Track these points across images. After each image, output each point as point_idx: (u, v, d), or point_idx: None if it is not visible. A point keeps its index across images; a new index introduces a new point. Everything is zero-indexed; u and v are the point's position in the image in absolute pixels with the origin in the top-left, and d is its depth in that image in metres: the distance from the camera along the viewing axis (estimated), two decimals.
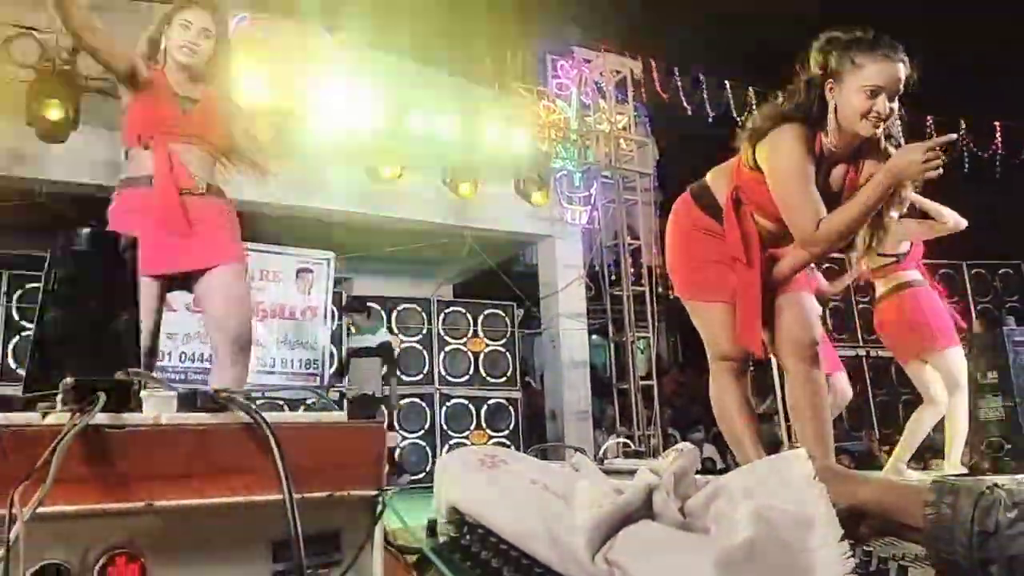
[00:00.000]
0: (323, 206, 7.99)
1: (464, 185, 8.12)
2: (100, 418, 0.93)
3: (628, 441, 3.20)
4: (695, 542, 1.20)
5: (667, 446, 8.54)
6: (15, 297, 6.54)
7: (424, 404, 8.09)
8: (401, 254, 8.87)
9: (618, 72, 9.47)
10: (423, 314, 8.34)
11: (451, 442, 8.00)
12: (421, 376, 8.17)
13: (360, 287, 9.38)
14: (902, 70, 2.45)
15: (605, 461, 2.38)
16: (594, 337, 9.87)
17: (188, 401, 1.05)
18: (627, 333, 8.87)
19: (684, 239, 2.89)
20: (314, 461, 1.02)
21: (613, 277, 9.35)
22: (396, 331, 8.18)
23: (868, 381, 8.43)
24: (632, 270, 9.19)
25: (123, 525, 0.91)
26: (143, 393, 1.10)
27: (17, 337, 6.48)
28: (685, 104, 9.79)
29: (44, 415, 0.98)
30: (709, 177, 2.88)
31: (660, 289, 8.80)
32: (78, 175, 6.66)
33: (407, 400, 8.00)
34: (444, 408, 8.15)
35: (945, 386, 4.04)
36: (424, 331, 8.30)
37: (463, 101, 8.36)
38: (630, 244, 9.17)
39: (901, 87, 2.46)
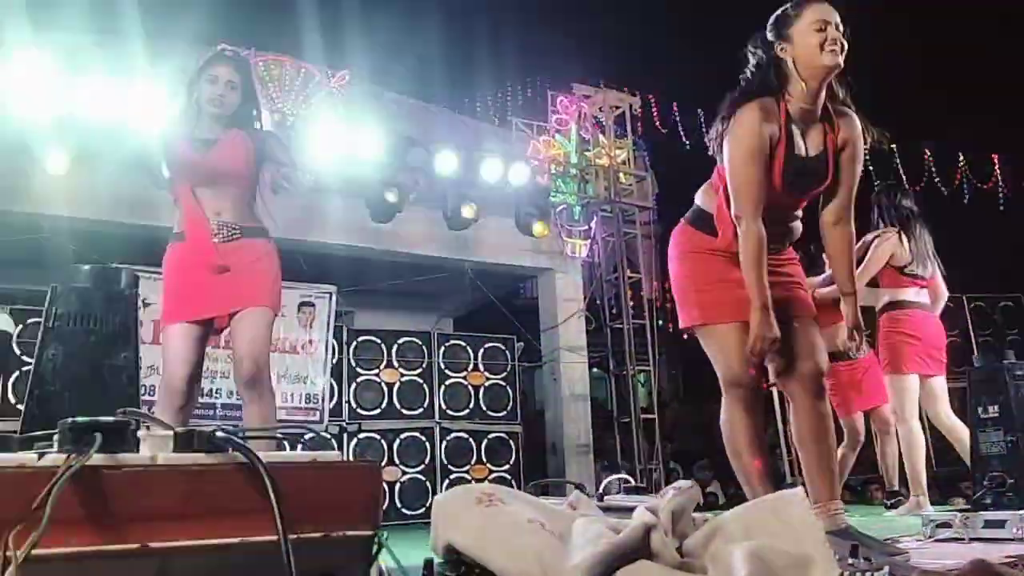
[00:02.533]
0: (324, 240, 8.03)
1: (465, 219, 8.16)
2: (96, 459, 0.94)
3: (629, 477, 3.18)
4: None
5: (669, 480, 8.49)
6: (16, 332, 6.53)
7: (424, 438, 8.04)
8: (402, 288, 8.89)
9: (617, 107, 9.57)
10: (423, 347, 8.32)
11: (451, 477, 7.94)
12: (421, 410, 8.12)
13: (361, 321, 9.39)
14: (834, 12, 2.58)
15: (606, 497, 2.37)
16: (594, 370, 9.85)
17: (185, 441, 1.05)
18: (628, 366, 8.85)
19: (688, 263, 2.83)
20: (309, 501, 1.02)
21: (613, 310, 9.36)
22: (396, 365, 8.16)
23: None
24: (632, 303, 9.20)
25: (118, 567, 0.91)
26: (140, 433, 1.10)
27: (17, 372, 6.46)
28: (684, 138, 9.89)
29: (40, 456, 0.98)
30: (698, 198, 2.87)
31: (660, 322, 8.81)
32: (80, 211, 6.71)
33: (407, 435, 7.96)
34: (444, 442, 8.10)
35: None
36: (424, 364, 8.27)
37: (463, 136, 8.45)
38: (630, 277, 9.19)
39: (840, 25, 2.57)
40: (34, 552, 0.82)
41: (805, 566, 1.21)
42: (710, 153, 2.82)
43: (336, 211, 7.90)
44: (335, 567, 1.05)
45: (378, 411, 7.97)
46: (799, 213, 2.82)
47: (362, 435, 7.74)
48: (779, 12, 2.66)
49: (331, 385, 7.75)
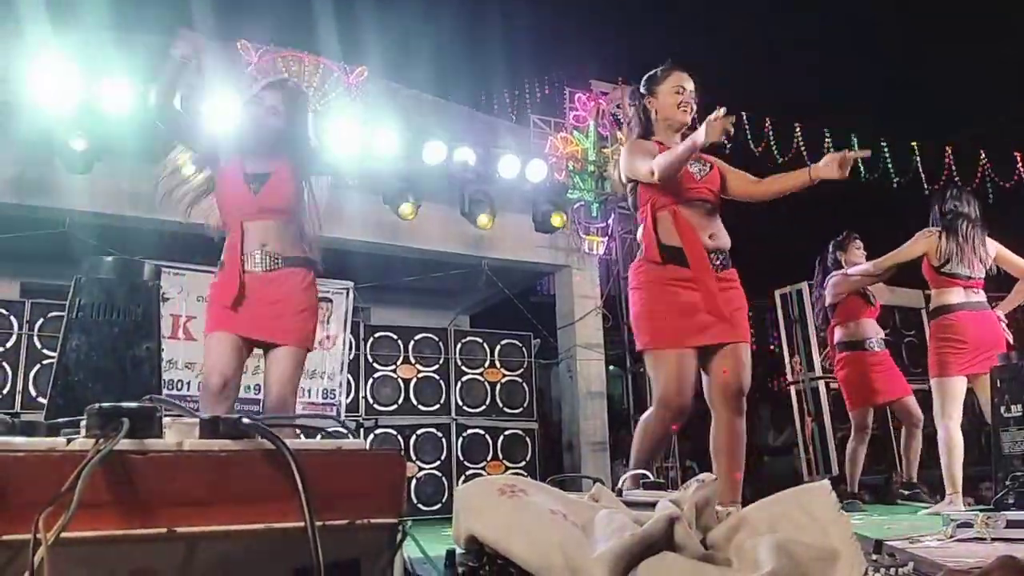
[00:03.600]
0: (341, 236, 8.05)
1: (482, 216, 8.16)
2: (124, 444, 0.94)
3: (646, 473, 3.17)
4: (717, 575, 1.18)
5: (685, 478, 8.46)
6: (37, 326, 6.60)
7: (440, 434, 8.05)
8: (419, 284, 8.91)
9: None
10: (440, 344, 8.33)
11: (467, 473, 7.95)
12: (438, 406, 8.14)
13: (378, 317, 9.41)
14: (689, 79, 3.39)
15: (624, 493, 2.36)
16: (611, 367, 9.81)
17: (211, 428, 1.05)
18: (643, 364, 8.83)
19: (642, 293, 3.28)
20: (334, 489, 1.02)
21: (630, 307, 9.33)
22: (413, 360, 8.18)
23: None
24: None
25: (144, 551, 0.91)
26: (166, 420, 1.10)
27: (38, 366, 6.53)
28: None
29: (68, 441, 0.99)
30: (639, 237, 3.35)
31: None
32: (101, 205, 6.76)
33: (423, 430, 7.97)
34: (461, 439, 8.11)
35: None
36: (441, 361, 8.29)
37: (481, 132, 8.45)
38: None
39: (693, 90, 3.38)
40: (63, 535, 0.82)
41: (831, 559, 1.20)
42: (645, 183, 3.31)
43: (353, 207, 7.91)
44: (360, 554, 1.05)
45: (395, 407, 7.99)
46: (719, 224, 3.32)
47: (379, 431, 7.77)
48: (652, 73, 3.44)
49: (348, 380, 7.78)
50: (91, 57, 6.28)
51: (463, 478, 7.87)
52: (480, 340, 8.54)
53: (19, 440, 0.92)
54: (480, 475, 7.99)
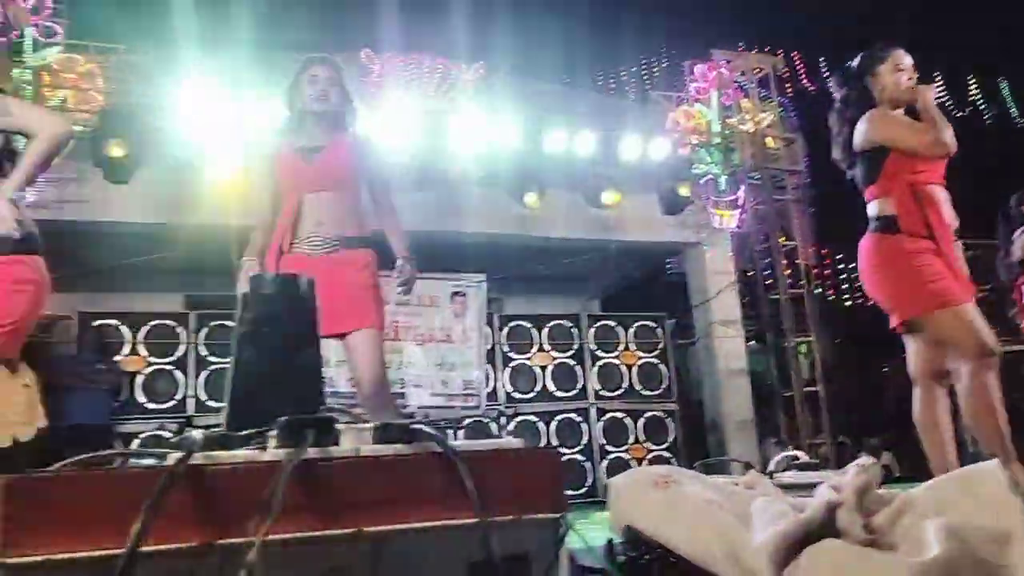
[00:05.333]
0: (468, 229, 8.23)
1: (606, 199, 8.13)
2: (310, 453, 1.04)
3: (799, 453, 3.10)
4: (885, 561, 1.17)
5: (839, 454, 8.16)
6: (202, 335, 7.12)
7: (579, 419, 8.12)
8: (549, 272, 8.98)
9: (759, 69, 9.23)
10: (573, 330, 8.39)
11: (609, 457, 7.98)
12: (575, 392, 8.21)
13: (511, 307, 9.56)
14: (907, 55, 3.31)
15: (774, 475, 2.33)
16: (751, 344, 9.57)
17: (383, 434, 1.14)
18: (787, 338, 8.57)
19: (893, 268, 3.09)
20: (498, 486, 1.08)
21: (768, 281, 9.06)
22: (548, 348, 8.28)
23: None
24: (788, 272, 8.88)
25: (337, 551, 1.00)
26: (339, 427, 1.20)
27: (206, 372, 7.05)
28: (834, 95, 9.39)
29: (263, 450, 1.10)
30: (872, 209, 3.17)
31: (819, 290, 8.44)
32: (253, 218, 7.20)
33: (562, 416, 8.05)
34: (600, 423, 8.15)
35: None
36: (576, 346, 8.34)
37: (601, 115, 8.41)
38: (784, 245, 8.86)
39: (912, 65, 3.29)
40: (270, 537, 0.92)
41: (1005, 541, 1.16)
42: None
43: (480, 201, 8.07)
44: (528, 548, 1.10)
45: (532, 394, 8.12)
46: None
47: (519, 419, 7.92)
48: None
49: (486, 371, 7.97)
50: (237, 79, 6.68)
51: (605, 462, 7.91)
52: (613, 324, 8.54)
53: (223, 454, 1.03)
54: (622, 459, 8.01)
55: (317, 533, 1.00)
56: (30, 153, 2.64)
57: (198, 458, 0.98)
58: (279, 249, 3.01)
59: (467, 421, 7.66)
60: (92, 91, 6.71)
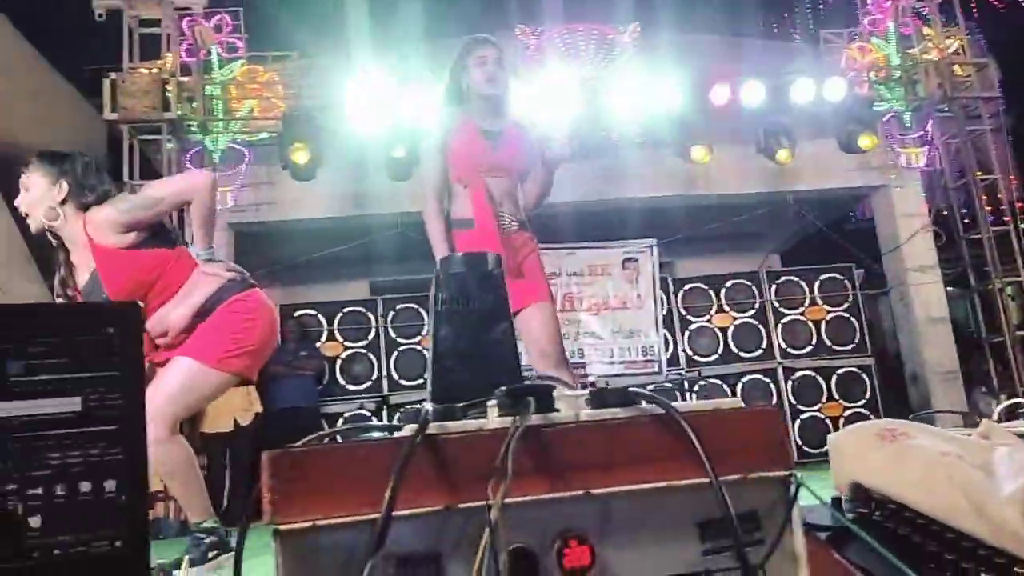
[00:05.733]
0: (634, 195, 8.12)
1: (780, 149, 7.76)
2: (534, 419, 1.07)
3: (1021, 400, 2.85)
4: None
5: None
6: (390, 319, 7.51)
7: (767, 380, 7.88)
8: (721, 230, 8.71)
9: None
10: (753, 288, 8.12)
11: (802, 416, 7.70)
12: (760, 351, 7.95)
13: (684, 269, 9.38)
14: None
15: (1003, 425, 2.14)
16: (951, 289, 8.87)
17: (599, 399, 1.15)
18: (992, 280, 7.87)
19: None
20: (722, 446, 1.07)
21: (966, 220, 8.35)
22: (727, 308, 8.06)
23: None
24: (989, 208, 8.13)
25: (568, 512, 1.03)
26: (555, 394, 1.23)
27: (396, 353, 7.43)
28: None
29: (485, 419, 1.14)
30: None
31: None
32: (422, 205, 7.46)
33: (749, 377, 7.83)
34: (789, 382, 7.86)
35: None
36: (756, 305, 8.08)
37: (769, 62, 8.02)
38: (982, 180, 8.11)
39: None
40: (506, 500, 0.96)
41: None
42: None
43: (643, 163, 7.95)
44: (756, 506, 1.09)
45: (715, 357, 7.96)
46: None
47: (703, 382, 7.79)
48: None
49: (665, 336, 7.88)
50: (404, 71, 6.94)
51: (798, 422, 7.63)
52: (796, 279, 8.19)
53: (451, 424, 1.08)
54: (816, 417, 7.71)
55: (547, 496, 1.03)
56: (195, 217, 2.91)
57: (432, 429, 1.04)
58: (472, 225, 3.04)
59: (649, 387, 7.62)
60: (273, 99, 7.19)
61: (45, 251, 3.04)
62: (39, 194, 2.84)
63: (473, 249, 3.00)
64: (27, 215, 2.88)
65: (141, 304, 1.20)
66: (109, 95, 6.76)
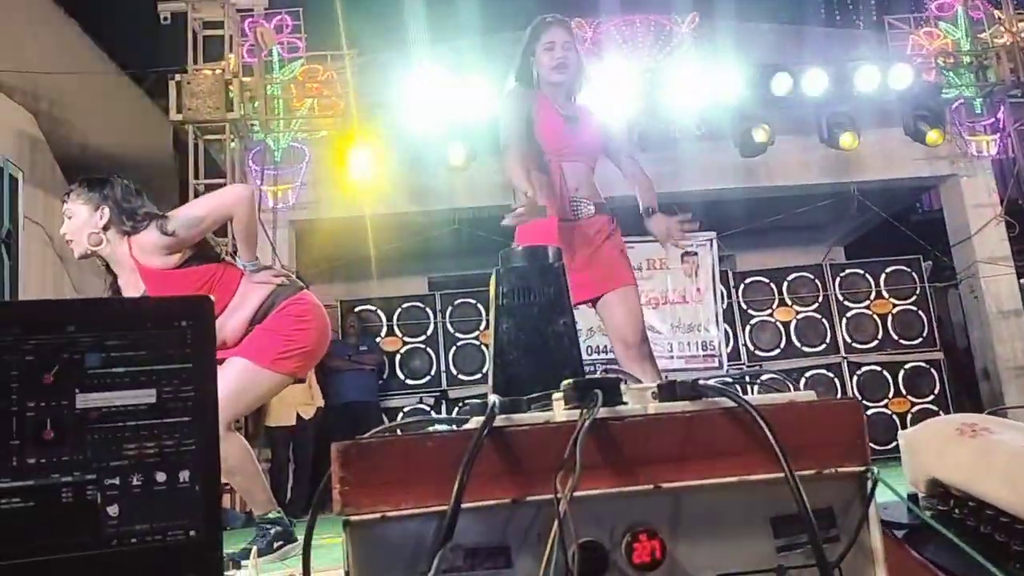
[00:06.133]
0: (695, 187, 8.00)
1: (844, 137, 7.55)
2: (602, 412, 1.05)
3: None
4: None
5: None
6: (448, 314, 7.56)
7: (831, 375, 7.71)
8: (782, 222, 8.53)
9: None
10: (816, 281, 7.95)
11: (868, 413, 7.47)
12: (824, 346, 7.78)
13: (746, 263, 9.22)
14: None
15: None
16: (1023, 281, 8.54)
17: (667, 392, 1.13)
18: None
19: None
20: (797, 440, 1.04)
21: None
22: (789, 302, 7.90)
23: None
24: None
25: (637, 506, 1.01)
26: (623, 388, 1.21)
27: (454, 348, 7.48)
28: None
29: (551, 412, 1.13)
30: None
31: None
32: (482, 199, 7.49)
33: (812, 372, 7.67)
34: (855, 377, 7.68)
35: None
36: (820, 299, 7.90)
37: (832, 49, 7.83)
38: None
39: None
40: (575, 493, 0.94)
41: None
42: None
43: (702, 155, 7.83)
44: (832, 502, 1.06)
45: (778, 351, 7.82)
46: None
47: (765, 376, 7.64)
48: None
49: (725, 330, 7.77)
50: (461, 66, 6.96)
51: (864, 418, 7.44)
52: (861, 271, 8.00)
53: (518, 416, 1.08)
54: (883, 413, 7.52)
55: (616, 489, 1.01)
56: (237, 231, 2.97)
57: (498, 421, 1.03)
58: (546, 213, 2.98)
59: (712, 381, 7.52)
60: (333, 97, 7.29)
61: None
62: (81, 221, 2.88)
63: (538, 236, 2.93)
64: (70, 241, 2.92)
65: (213, 298, 1.22)
66: (174, 96, 6.93)
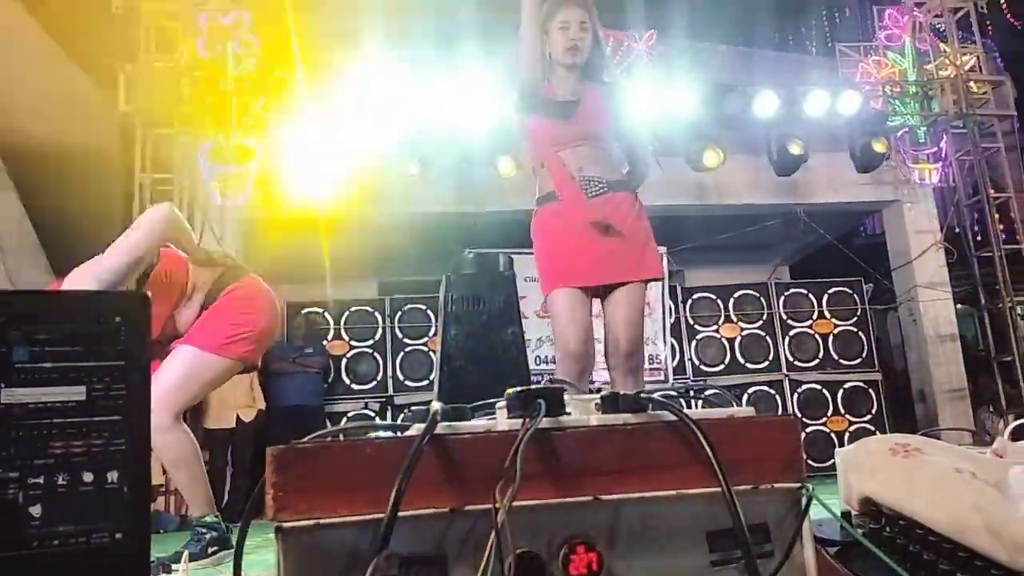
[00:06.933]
0: (647, 203, 8.05)
1: (792, 160, 7.72)
2: (544, 422, 1.05)
3: None
4: None
5: None
6: (397, 318, 7.50)
7: (773, 392, 7.84)
8: (731, 241, 8.68)
9: (958, 9, 8.41)
10: (761, 299, 8.09)
11: (807, 430, 7.66)
12: (767, 363, 7.92)
13: (693, 278, 9.35)
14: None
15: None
16: (961, 307, 8.81)
17: (610, 403, 1.14)
18: (1003, 299, 7.81)
19: None
20: (735, 455, 1.05)
21: (978, 237, 8.30)
22: (735, 319, 8.03)
23: None
24: (1001, 226, 8.09)
25: (576, 517, 1.01)
26: (565, 398, 1.21)
27: (402, 354, 7.42)
28: None
29: (494, 421, 1.13)
30: None
31: None
32: (434, 206, 7.46)
33: (755, 389, 7.80)
34: (796, 395, 7.82)
35: None
36: (765, 316, 8.04)
37: (783, 73, 8.00)
38: (996, 198, 8.07)
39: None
40: (514, 504, 0.94)
41: None
42: None
43: (655, 171, 7.90)
44: (767, 518, 1.07)
45: (722, 366, 7.93)
46: None
47: (709, 392, 7.74)
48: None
49: (672, 345, 7.85)
50: (417, 72, 6.92)
51: (803, 435, 7.59)
52: (805, 291, 8.16)
53: (460, 424, 1.07)
54: (822, 431, 7.67)
55: (556, 500, 1.01)
56: (173, 244, 2.89)
57: (440, 429, 1.02)
58: (557, 197, 2.89)
59: (656, 395, 7.59)
60: (287, 95, 7.19)
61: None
62: None
63: (561, 218, 2.87)
64: None
65: (149, 293, 1.18)
66: (123, 88, 6.77)
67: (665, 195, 8.01)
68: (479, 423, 1.10)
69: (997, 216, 8.12)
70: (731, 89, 7.36)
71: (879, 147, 7.69)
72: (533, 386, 1.14)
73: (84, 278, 2.65)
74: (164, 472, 5.16)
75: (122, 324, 1.12)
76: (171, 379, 2.78)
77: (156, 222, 2.75)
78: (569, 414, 1.11)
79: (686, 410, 1.12)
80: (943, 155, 8.30)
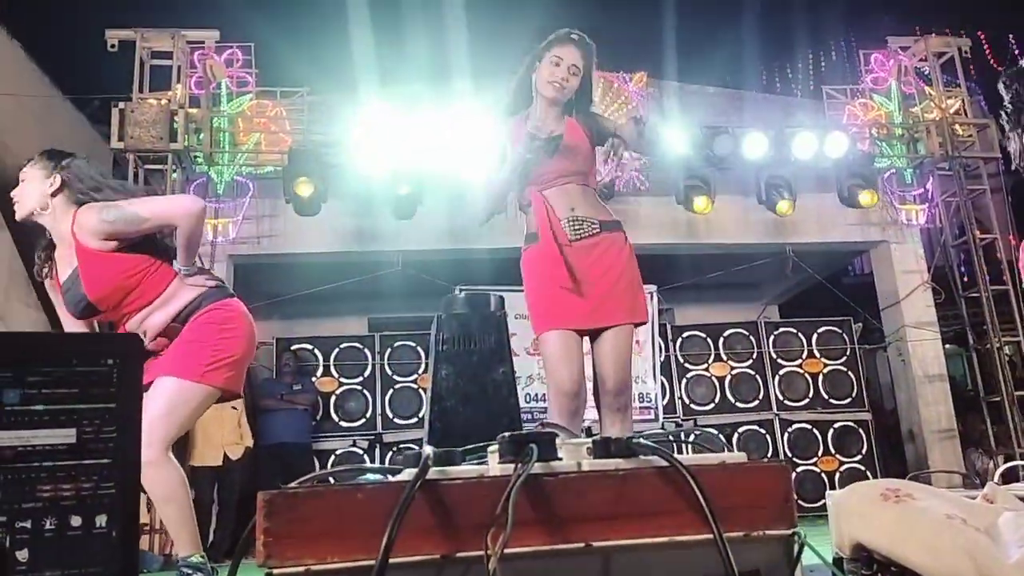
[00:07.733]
0: (636, 241, 8.12)
1: (781, 201, 7.80)
2: (536, 468, 1.05)
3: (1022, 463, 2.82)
4: None
5: None
6: (386, 356, 7.47)
7: (763, 431, 7.82)
8: (721, 279, 8.73)
9: (942, 53, 8.57)
10: (751, 338, 8.11)
11: (798, 470, 7.63)
12: (757, 402, 7.92)
13: (683, 317, 9.37)
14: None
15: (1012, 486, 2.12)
16: (949, 347, 8.85)
17: (603, 448, 1.14)
18: (991, 339, 7.86)
19: None
20: (727, 501, 1.05)
21: (965, 278, 8.37)
22: (725, 357, 8.04)
23: None
24: (987, 267, 8.16)
25: (567, 564, 1.01)
26: (557, 442, 1.21)
27: (391, 391, 7.38)
28: None
29: (485, 465, 1.13)
30: None
31: None
32: (425, 243, 7.49)
33: (745, 428, 7.78)
34: (786, 434, 7.81)
35: None
36: (754, 355, 8.06)
37: (772, 115, 8.12)
38: (981, 239, 8.15)
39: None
40: (505, 551, 0.93)
41: None
42: None
43: (646, 210, 7.98)
44: (759, 565, 1.06)
45: (712, 405, 7.92)
46: None
47: (698, 431, 7.72)
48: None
49: (662, 383, 7.84)
50: (409, 110, 7.00)
51: (794, 476, 7.56)
52: (794, 330, 8.19)
53: (452, 469, 1.06)
54: (812, 471, 7.65)
55: (547, 547, 1.01)
56: (179, 239, 2.85)
57: (432, 474, 1.02)
58: (537, 239, 2.88)
59: (645, 434, 7.56)
60: (280, 133, 7.25)
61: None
62: (33, 184, 2.87)
63: (537, 262, 2.86)
64: (16, 202, 2.90)
65: (143, 336, 1.18)
66: (117, 124, 6.80)
67: (654, 234, 8.08)
68: (470, 468, 1.10)
69: (983, 257, 8.19)
70: (721, 130, 7.45)
71: (866, 188, 7.76)
72: (524, 431, 1.14)
73: (96, 211, 2.78)
74: (148, 510, 5.09)
75: (115, 366, 1.11)
76: (156, 413, 2.75)
77: (188, 210, 2.82)
78: (561, 459, 1.11)
79: (678, 455, 1.12)
80: (930, 196, 8.41)
